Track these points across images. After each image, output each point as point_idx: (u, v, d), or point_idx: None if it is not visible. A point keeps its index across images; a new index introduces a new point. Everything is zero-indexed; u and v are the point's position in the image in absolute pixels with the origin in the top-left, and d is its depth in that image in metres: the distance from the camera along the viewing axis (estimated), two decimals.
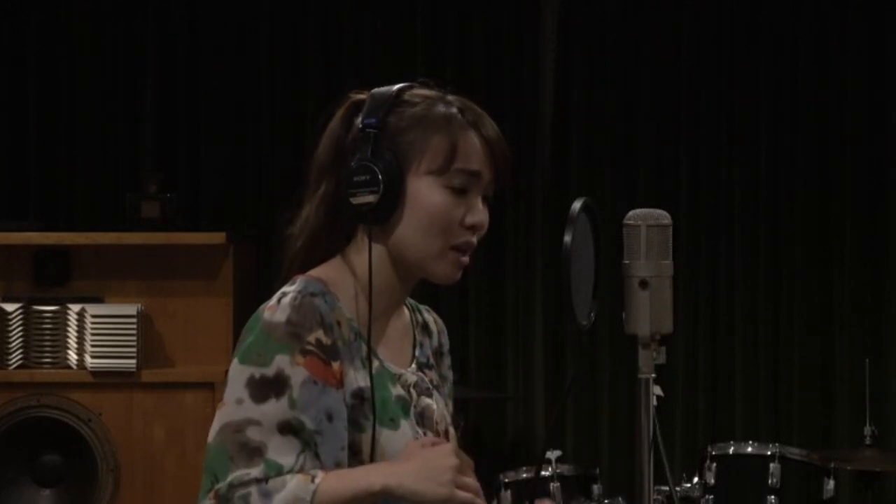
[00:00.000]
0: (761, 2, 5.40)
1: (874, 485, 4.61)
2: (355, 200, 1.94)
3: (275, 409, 1.85)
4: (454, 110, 1.98)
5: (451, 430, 2.08)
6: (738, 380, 5.35)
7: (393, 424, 1.94)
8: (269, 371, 1.86)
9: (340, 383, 1.89)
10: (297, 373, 1.85)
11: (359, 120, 1.99)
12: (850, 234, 5.34)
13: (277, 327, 1.88)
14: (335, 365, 1.88)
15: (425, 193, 1.95)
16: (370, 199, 1.93)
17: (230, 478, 1.83)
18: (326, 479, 1.83)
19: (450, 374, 2.19)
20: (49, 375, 4.58)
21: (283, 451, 1.84)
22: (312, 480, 1.82)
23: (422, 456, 1.87)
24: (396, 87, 2.00)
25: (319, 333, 1.88)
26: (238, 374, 1.88)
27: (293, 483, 1.82)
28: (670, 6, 5.42)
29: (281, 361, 1.86)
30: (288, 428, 1.84)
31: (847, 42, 5.36)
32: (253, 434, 1.85)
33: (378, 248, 1.97)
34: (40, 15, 5.47)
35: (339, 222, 2.00)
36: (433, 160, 1.95)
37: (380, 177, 1.92)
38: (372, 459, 1.90)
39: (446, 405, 2.11)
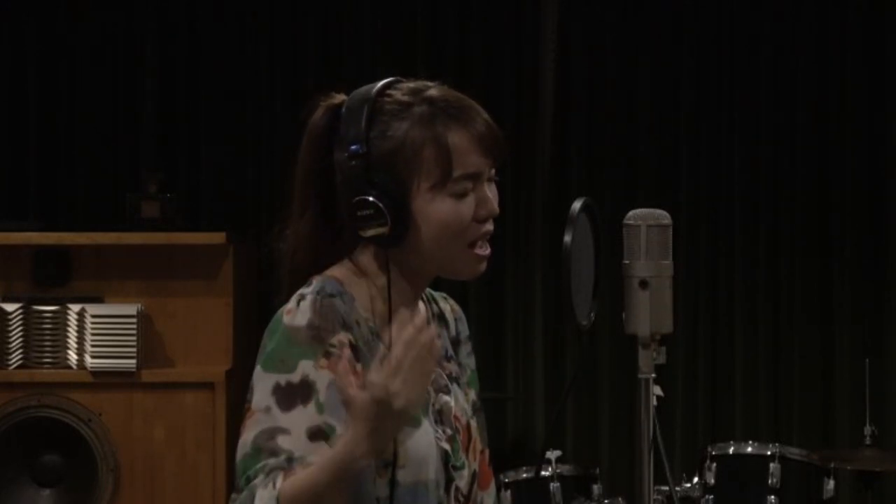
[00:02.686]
0: (761, 2, 5.41)
1: (874, 485, 4.61)
2: (365, 234, 1.90)
3: (302, 416, 1.82)
4: (436, 110, 1.92)
5: (472, 423, 2.06)
6: (738, 380, 5.35)
7: (414, 423, 1.91)
8: (295, 377, 1.83)
9: (363, 384, 1.87)
10: (322, 376, 1.83)
11: (340, 131, 1.93)
12: (850, 234, 5.34)
13: (299, 331, 1.85)
14: (358, 366, 1.86)
15: (432, 208, 1.91)
16: (380, 230, 1.89)
17: (255, 469, 1.80)
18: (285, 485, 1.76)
19: (470, 361, 2.15)
20: (49, 375, 4.58)
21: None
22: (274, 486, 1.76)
23: (357, 418, 1.75)
24: (372, 94, 1.93)
25: (341, 336, 1.86)
26: (263, 381, 1.86)
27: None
28: (670, 6, 5.42)
29: (305, 366, 1.83)
30: (318, 434, 1.82)
31: (847, 42, 5.36)
32: (283, 442, 1.81)
33: (394, 262, 1.94)
34: (40, 16, 5.47)
35: (342, 237, 1.97)
36: (430, 175, 1.90)
37: (384, 210, 1.88)
38: (395, 459, 1.88)
39: (466, 395, 2.09)
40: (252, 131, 5.46)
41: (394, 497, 1.88)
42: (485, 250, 1.96)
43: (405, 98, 1.94)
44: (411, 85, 1.97)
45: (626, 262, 1.94)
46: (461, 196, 1.92)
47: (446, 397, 2.02)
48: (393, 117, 1.92)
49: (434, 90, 1.95)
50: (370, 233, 1.90)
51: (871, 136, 5.35)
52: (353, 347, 1.87)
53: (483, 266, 1.97)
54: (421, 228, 1.92)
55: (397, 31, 5.45)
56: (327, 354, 1.84)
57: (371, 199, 1.88)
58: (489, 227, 1.96)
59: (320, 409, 1.82)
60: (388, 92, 1.95)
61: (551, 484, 4.38)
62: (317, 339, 1.84)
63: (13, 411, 4.56)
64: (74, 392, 4.57)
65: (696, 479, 4.47)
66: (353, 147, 1.91)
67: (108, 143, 5.47)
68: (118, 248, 4.62)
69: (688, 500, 4.45)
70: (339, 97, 1.98)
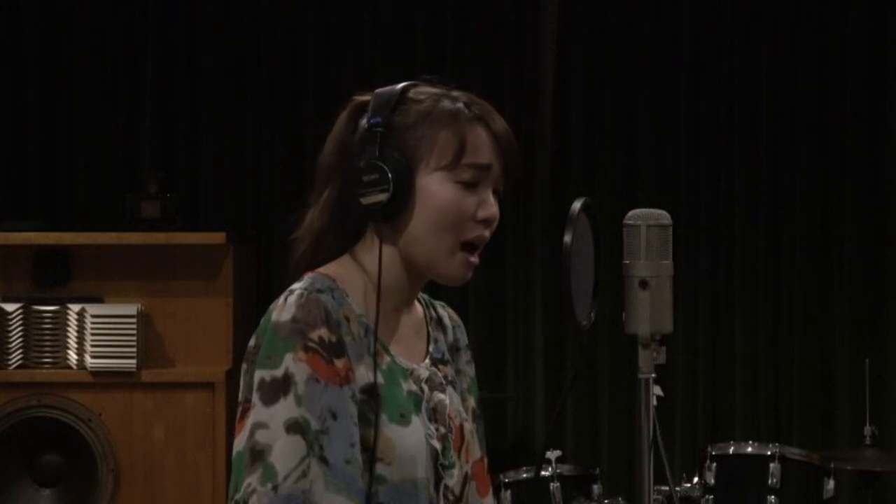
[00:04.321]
0: (761, 2, 5.41)
1: (874, 485, 4.61)
2: (365, 200, 1.93)
3: (283, 408, 1.85)
4: (460, 105, 1.98)
5: (467, 426, 2.07)
6: (738, 380, 5.35)
7: (404, 421, 1.93)
8: (278, 372, 1.86)
9: (346, 380, 1.88)
10: (300, 369, 1.86)
11: (364, 121, 1.98)
12: (850, 234, 5.34)
13: (283, 326, 1.88)
14: (339, 362, 1.88)
15: (435, 189, 1.94)
16: (380, 198, 1.92)
17: (241, 492, 1.84)
18: None
19: (470, 369, 2.17)
20: (49, 375, 4.58)
21: (286, 454, 1.83)
22: None
23: None
24: (401, 85, 2.00)
25: (323, 331, 1.87)
26: (252, 377, 1.89)
27: None
28: (670, 6, 5.42)
29: (287, 360, 1.86)
30: (295, 427, 1.84)
31: (847, 42, 5.36)
32: (261, 437, 1.85)
33: (389, 247, 1.97)
34: (40, 15, 5.47)
35: (347, 224, 2.00)
36: (442, 156, 1.95)
37: (389, 175, 1.92)
38: (373, 456, 1.89)
39: (464, 401, 2.10)
40: (252, 131, 5.46)
41: (376, 491, 1.89)
42: (474, 258, 1.98)
43: (434, 91, 2.01)
44: (438, 87, 2.03)
45: (626, 262, 1.94)
46: (466, 186, 1.95)
47: (441, 395, 2.03)
48: (418, 104, 1.98)
49: (459, 92, 2.02)
50: (370, 199, 1.93)
51: (871, 137, 5.35)
52: (336, 343, 1.88)
53: (469, 274, 1.99)
54: (419, 208, 1.94)
55: (397, 31, 5.45)
56: (306, 349, 1.86)
57: (378, 162, 1.93)
58: (486, 233, 1.98)
59: (298, 401, 1.85)
60: (417, 85, 2.02)
61: (551, 484, 4.38)
62: (298, 332, 1.87)
63: (13, 411, 4.56)
64: (74, 392, 4.57)
65: (696, 479, 4.47)
66: (374, 119, 1.96)
67: (108, 143, 5.47)
68: (118, 248, 4.62)
69: (688, 500, 4.45)
70: (365, 97, 2.02)
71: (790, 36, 5.39)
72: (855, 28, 5.36)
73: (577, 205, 1.93)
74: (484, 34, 5.47)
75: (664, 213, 1.95)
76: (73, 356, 4.59)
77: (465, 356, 2.17)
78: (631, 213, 1.96)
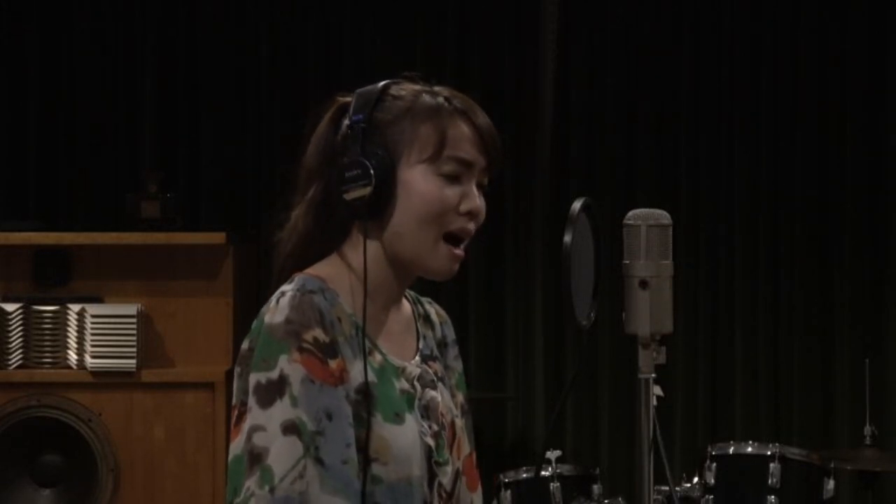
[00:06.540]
0: (762, 2, 5.41)
1: (874, 485, 4.61)
2: (348, 196, 1.94)
3: (278, 410, 1.85)
4: (441, 100, 1.98)
5: (458, 422, 2.08)
6: (738, 380, 5.35)
7: (398, 419, 1.93)
8: (273, 374, 1.86)
9: (341, 380, 1.89)
10: (295, 370, 1.86)
11: (346, 120, 1.99)
12: (849, 234, 5.34)
13: (277, 328, 1.88)
14: (334, 363, 1.88)
15: (417, 181, 1.95)
16: (363, 192, 1.93)
17: (241, 496, 1.85)
18: None
19: (458, 365, 2.18)
20: (49, 375, 4.59)
21: (282, 456, 1.84)
22: None
23: None
24: (382, 82, 2.01)
25: (317, 332, 1.88)
26: (247, 381, 1.89)
27: None
28: (670, 6, 5.42)
29: (282, 362, 1.86)
30: (291, 428, 1.84)
31: (848, 43, 5.36)
32: (258, 439, 1.85)
33: (374, 244, 1.97)
34: (40, 14, 5.47)
35: (332, 223, 2.00)
36: (423, 149, 1.95)
37: (371, 170, 1.93)
38: (367, 456, 1.89)
39: (453, 396, 2.11)
40: (252, 131, 5.46)
41: (372, 491, 1.89)
42: (459, 251, 1.98)
43: (414, 87, 2.01)
44: (420, 83, 2.03)
45: (626, 262, 1.94)
46: (449, 179, 1.96)
47: (433, 393, 2.03)
48: (399, 99, 1.99)
49: (441, 87, 2.02)
50: (353, 195, 1.93)
51: (871, 137, 5.35)
52: (330, 344, 1.89)
53: (455, 267, 1.99)
54: (402, 201, 1.95)
55: (397, 31, 5.45)
56: (301, 350, 1.86)
57: (360, 158, 1.94)
58: (470, 225, 1.98)
59: (294, 402, 1.85)
60: (398, 82, 2.02)
61: (551, 484, 4.38)
62: (292, 333, 1.87)
63: (13, 411, 4.56)
64: (74, 392, 4.57)
65: (696, 479, 4.46)
66: (355, 117, 1.97)
67: (108, 143, 5.48)
68: (118, 248, 4.62)
69: (688, 500, 4.44)
70: (347, 98, 2.02)
71: (790, 36, 5.39)
72: (855, 27, 5.36)
73: (577, 205, 1.93)
74: (484, 34, 5.47)
75: (664, 213, 1.95)
76: (73, 356, 4.59)
77: (453, 352, 2.17)
78: (631, 213, 1.96)
